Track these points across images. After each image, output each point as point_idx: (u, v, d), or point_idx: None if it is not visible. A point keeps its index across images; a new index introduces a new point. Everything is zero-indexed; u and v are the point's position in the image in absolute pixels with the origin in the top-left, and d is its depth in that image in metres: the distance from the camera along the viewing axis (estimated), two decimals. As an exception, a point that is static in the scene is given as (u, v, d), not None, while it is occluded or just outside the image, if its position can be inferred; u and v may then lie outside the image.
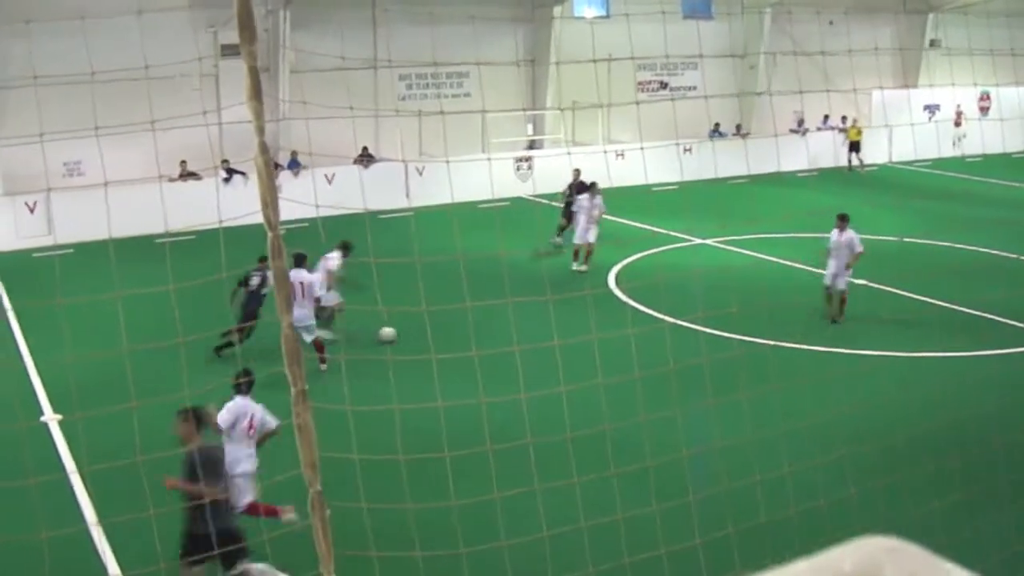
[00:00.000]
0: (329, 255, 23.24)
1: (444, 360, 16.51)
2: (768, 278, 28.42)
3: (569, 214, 31.89)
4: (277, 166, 38.12)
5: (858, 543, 2.66)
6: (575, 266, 30.39)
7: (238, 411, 14.70)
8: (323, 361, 21.36)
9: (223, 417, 14.63)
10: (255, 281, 22.31)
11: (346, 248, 23.50)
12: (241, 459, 14.43)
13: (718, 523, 13.02)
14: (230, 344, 21.75)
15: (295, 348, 7.15)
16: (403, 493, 12.36)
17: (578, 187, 31.81)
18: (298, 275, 20.87)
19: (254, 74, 7.01)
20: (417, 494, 12.52)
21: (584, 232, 30.55)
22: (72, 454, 17.72)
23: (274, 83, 38.20)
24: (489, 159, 35.72)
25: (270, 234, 7.04)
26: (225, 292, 21.96)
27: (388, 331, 23.19)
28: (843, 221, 24.85)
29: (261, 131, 7.11)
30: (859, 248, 24.81)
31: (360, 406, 13.40)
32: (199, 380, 16.07)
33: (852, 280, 25.93)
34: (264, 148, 7.17)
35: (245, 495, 14.40)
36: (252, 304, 22.31)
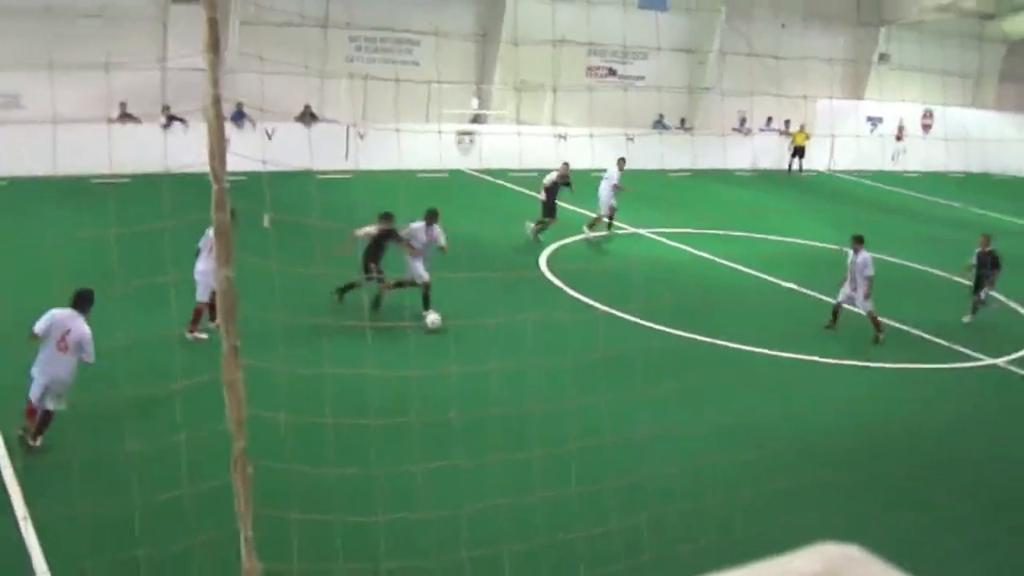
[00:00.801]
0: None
1: (376, 329, 16.52)
2: (700, 273, 28.60)
3: (552, 209, 31.58)
4: (172, 118, 37.73)
5: (819, 549, 2.68)
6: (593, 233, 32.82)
7: (52, 321, 15.14)
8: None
9: (39, 324, 15.12)
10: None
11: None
12: (48, 364, 15.07)
13: (632, 511, 13.11)
14: (352, 287, 22.37)
15: (231, 304, 7.10)
16: (327, 458, 12.30)
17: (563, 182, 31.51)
18: None
19: (213, 25, 6.93)
20: (341, 460, 12.46)
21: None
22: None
23: (224, 34, 37.79)
24: (440, 131, 35.52)
25: (215, 186, 6.97)
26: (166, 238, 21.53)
27: (434, 317, 21.83)
28: (858, 243, 24.38)
29: (215, 83, 7.03)
30: (869, 271, 24.12)
31: (291, 368, 13.29)
32: (133, 323, 15.85)
33: (791, 285, 26.25)
34: (216, 100, 7.08)
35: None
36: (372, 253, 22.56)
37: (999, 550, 15.19)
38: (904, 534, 14.37)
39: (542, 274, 27.25)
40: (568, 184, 31.25)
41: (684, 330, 22.64)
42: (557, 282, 26.45)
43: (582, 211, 34.53)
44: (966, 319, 25.79)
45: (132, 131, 36.56)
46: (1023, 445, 19.38)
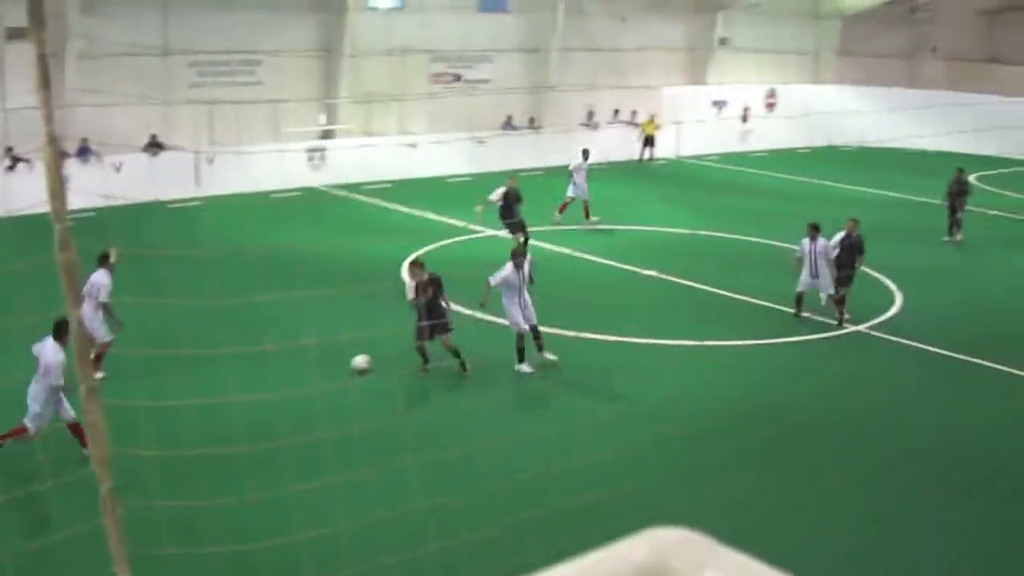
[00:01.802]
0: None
1: (237, 354, 16.31)
2: (561, 268, 28.73)
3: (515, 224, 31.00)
4: (64, 155, 37.09)
5: (647, 534, 2.72)
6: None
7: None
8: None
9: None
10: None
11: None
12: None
13: (513, 512, 13.15)
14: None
15: (85, 345, 6.99)
16: (197, 489, 12.15)
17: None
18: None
19: (43, 62, 6.81)
20: (211, 489, 12.33)
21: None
22: None
23: (61, 69, 37.11)
24: (288, 150, 35.25)
25: (57, 226, 6.84)
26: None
27: (361, 360, 19.93)
28: (814, 230, 24.57)
29: (49, 120, 6.90)
30: (831, 255, 24.49)
31: (151, 402, 13.13)
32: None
33: (649, 272, 26.57)
34: (52, 138, 6.95)
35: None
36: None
37: (886, 508, 15.54)
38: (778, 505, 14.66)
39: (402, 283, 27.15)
40: (519, 199, 30.77)
41: (551, 326, 22.73)
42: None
43: (438, 218, 34.60)
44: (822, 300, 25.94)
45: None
46: (889, 402, 19.99)
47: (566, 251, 30.85)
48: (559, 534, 11.52)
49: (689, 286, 26.83)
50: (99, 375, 19.67)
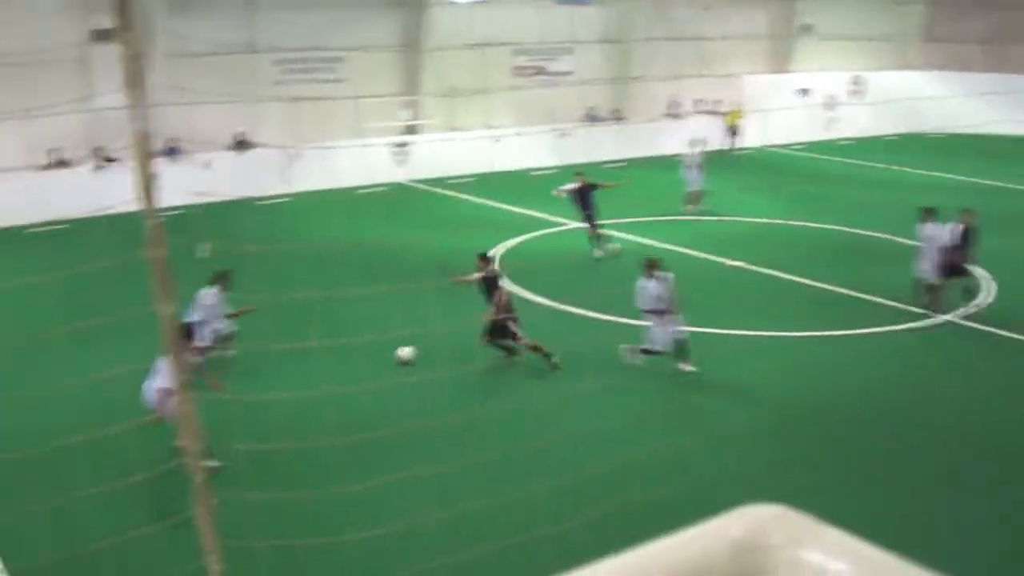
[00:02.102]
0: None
1: (327, 349, 16.46)
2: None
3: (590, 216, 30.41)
4: (153, 153, 37.53)
5: (744, 510, 2.71)
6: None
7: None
8: None
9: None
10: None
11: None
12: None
13: (602, 501, 13.12)
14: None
15: (177, 339, 7.08)
16: (287, 481, 12.27)
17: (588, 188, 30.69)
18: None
19: (131, 62, 6.91)
20: (301, 482, 12.44)
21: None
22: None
23: (148, 69, 37.53)
24: (373, 145, 35.42)
25: (149, 223, 6.94)
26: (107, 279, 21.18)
27: (405, 352, 20.61)
28: (928, 214, 24.26)
29: (139, 118, 7.00)
30: (941, 242, 23.99)
31: (244, 396, 13.26)
32: (68, 372, 15.80)
33: (733, 262, 26.44)
34: (142, 136, 7.04)
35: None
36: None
37: (966, 510, 15.34)
38: (864, 499, 14.51)
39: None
40: (594, 186, 30.44)
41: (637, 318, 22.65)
42: (507, 283, 26.41)
43: (522, 211, 34.62)
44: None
45: (64, 176, 36.23)
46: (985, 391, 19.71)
47: (652, 243, 30.68)
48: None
49: (776, 276, 26.60)
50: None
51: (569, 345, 20.84)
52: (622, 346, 20.38)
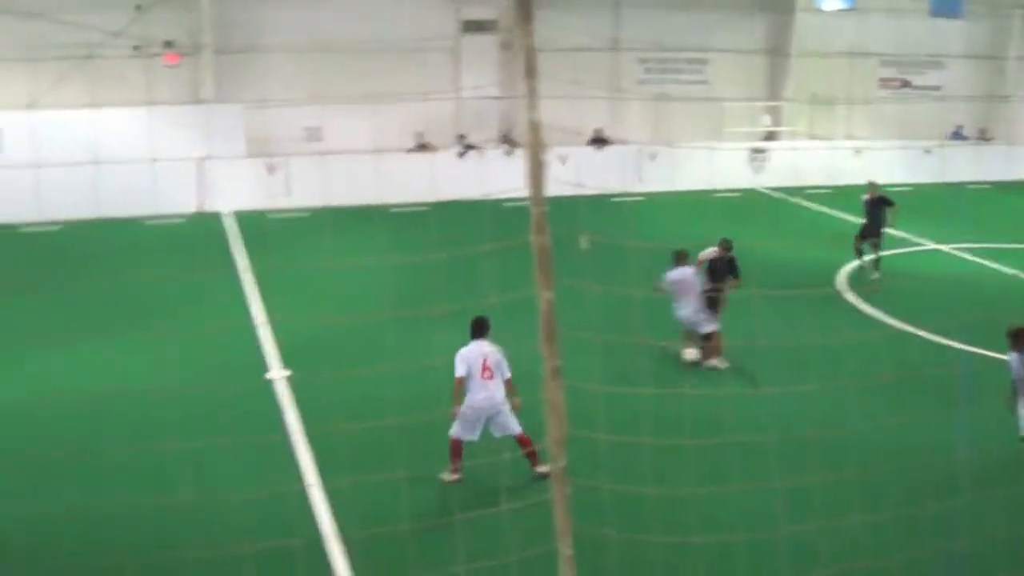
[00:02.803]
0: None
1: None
2: (1007, 290, 27.49)
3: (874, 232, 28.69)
4: (512, 143, 38.47)
5: None
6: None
7: (468, 358, 15.18)
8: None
9: (460, 368, 15.11)
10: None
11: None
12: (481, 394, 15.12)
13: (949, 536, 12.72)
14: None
15: (551, 324, 7.22)
16: (643, 477, 12.38)
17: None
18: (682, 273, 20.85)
19: (531, 52, 7.10)
20: (657, 480, 12.54)
21: None
22: (298, 413, 18.05)
23: (516, 60, 38.44)
24: (731, 150, 35.19)
25: (535, 210, 7.11)
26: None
27: (692, 352, 20.87)
28: None
29: (533, 108, 7.16)
30: None
31: (607, 387, 13.42)
32: (422, 349, 16.35)
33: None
34: (535, 125, 7.20)
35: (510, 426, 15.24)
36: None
37: None
38: None
39: (839, 293, 26.70)
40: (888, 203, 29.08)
41: (988, 349, 21.77)
42: (855, 301, 25.88)
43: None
44: None
45: (429, 160, 37.49)
46: None
47: (1015, 272, 29.33)
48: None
49: None
50: (722, 364, 20.49)
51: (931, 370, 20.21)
52: None
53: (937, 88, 48.33)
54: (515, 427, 15.12)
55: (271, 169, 36.08)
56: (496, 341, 15.17)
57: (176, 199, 34.60)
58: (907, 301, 24.92)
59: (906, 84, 48.37)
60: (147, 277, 24.19)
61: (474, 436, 15.20)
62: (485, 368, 15.07)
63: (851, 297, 26.15)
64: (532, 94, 7.12)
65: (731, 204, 37.28)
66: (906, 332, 22.79)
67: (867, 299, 25.56)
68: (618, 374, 16.96)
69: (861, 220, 28.78)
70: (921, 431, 15.83)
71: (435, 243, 22.17)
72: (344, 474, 14.13)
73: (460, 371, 15.03)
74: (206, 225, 33.31)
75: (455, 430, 15.22)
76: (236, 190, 35.42)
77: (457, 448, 15.24)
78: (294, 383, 19.21)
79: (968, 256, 31.22)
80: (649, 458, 12.74)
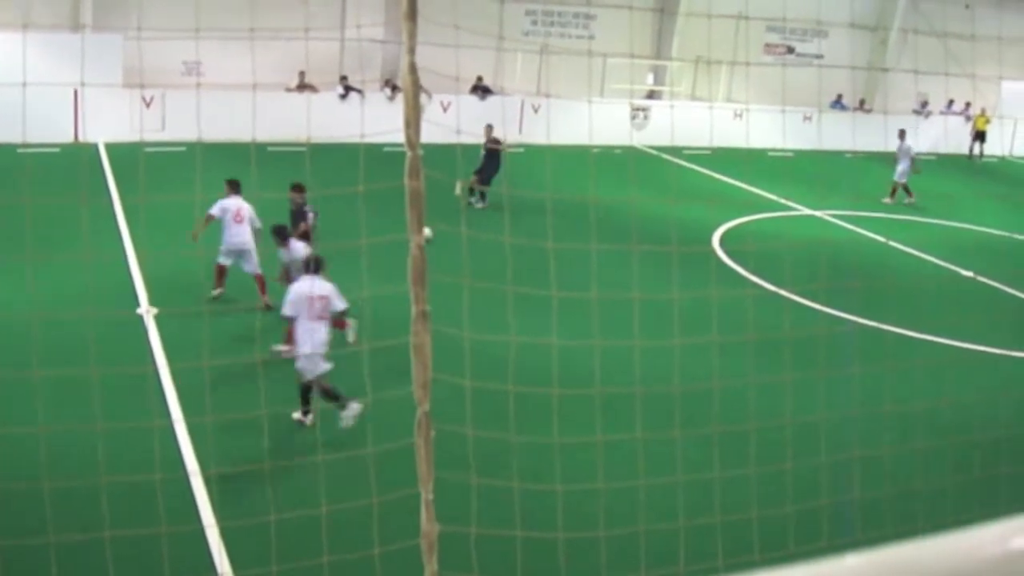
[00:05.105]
0: None
1: (560, 300, 16.57)
2: (873, 257, 28.07)
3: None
4: (395, 88, 38.28)
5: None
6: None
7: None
8: None
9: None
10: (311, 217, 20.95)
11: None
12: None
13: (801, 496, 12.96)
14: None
15: (421, 268, 7.19)
16: (507, 425, 12.44)
17: None
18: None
19: (412, -7, 7.02)
20: (520, 428, 12.59)
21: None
22: (163, 348, 17.95)
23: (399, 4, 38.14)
24: (613, 105, 35.32)
25: (410, 153, 7.05)
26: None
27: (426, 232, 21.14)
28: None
29: (412, 51, 7.08)
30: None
31: (475, 335, 13.45)
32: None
33: (967, 272, 25.86)
34: (413, 68, 7.12)
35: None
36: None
37: None
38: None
39: (713, 251, 27.02)
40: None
41: (852, 314, 22.20)
42: (729, 261, 26.22)
43: (755, 190, 34.29)
44: None
45: (309, 100, 37.17)
46: None
47: (881, 239, 30.05)
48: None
49: (1011, 293, 25.74)
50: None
51: (795, 332, 20.54)
52: None
53: (820, 56, 48.98)
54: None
55: (148, 101, 35.49)
56: (368, 283, 15.12)
57: (50, 128, 33.84)
58: (779, 265, 25.28)
59: (791, 51, 48.93)
60: (18, 204, 23.70)
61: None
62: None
63: (724, 257, 26.47)
64: (411, 36, 7.04)
65: (611, 160, 37.48)
66: (775, 294, 23.11)
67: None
68: (488, 321, 17.04)
69: (737, 183, 29.17)
70: (781, 391, 16.07)
71: (310, 184, 21.95)
72: (208, 412, 14.05)
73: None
74: (81, 155, 32.68)
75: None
76: (111, 121, 34.77)
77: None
78: (161, 319, 19.05)
79: (841, 223, 31.77)
80: (515, 406, 12.79)
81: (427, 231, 19.70)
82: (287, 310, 15.45)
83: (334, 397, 15.34)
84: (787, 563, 2.60)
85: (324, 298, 15.44)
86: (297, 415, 15.56)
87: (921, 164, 35.86)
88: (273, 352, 17.73)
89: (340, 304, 15.73)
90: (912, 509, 13.05)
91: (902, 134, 35.89)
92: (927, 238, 30.66)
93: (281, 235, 18.75)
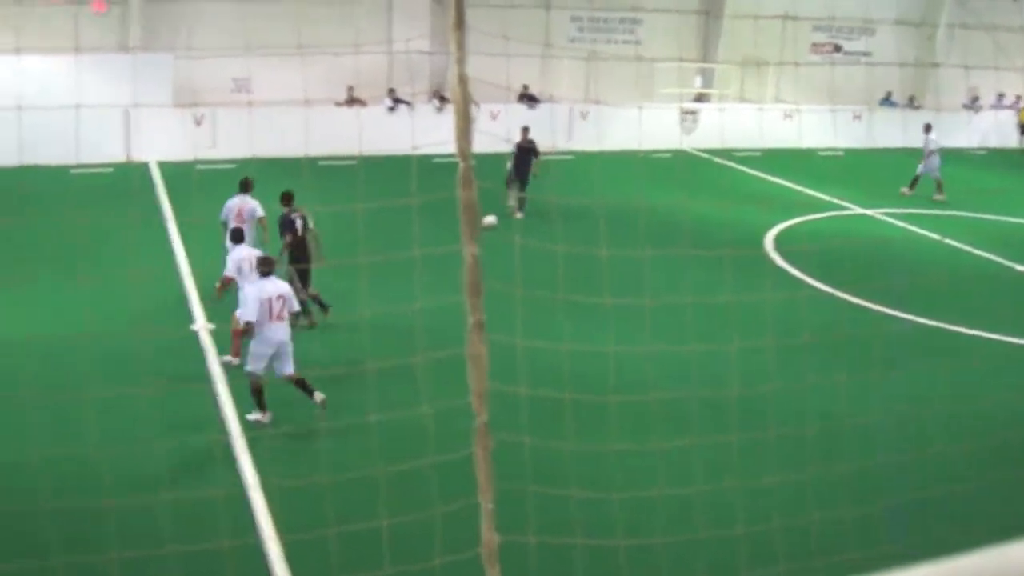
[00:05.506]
0: None
1: (615, 306, 16.52)
2: (928, 255, 27.85)
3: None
4: (443, 99, 38.32)
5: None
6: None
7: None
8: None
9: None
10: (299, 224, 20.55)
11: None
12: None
13: (866, 499, 12.88)
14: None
15: (476, 279, 7.19)
16: (565, 433, 12.44)
17: None
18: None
19: (459, 4, 7.04)
20: (578, 437, 12.61)
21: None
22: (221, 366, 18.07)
23: (447, 14, 38.16)
24: (662, 110, 35.24)
25: (462, 164, 7.06)
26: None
27: (489, 219, 20.70)
28: None
29: (461, 61, 7.11)
30: None
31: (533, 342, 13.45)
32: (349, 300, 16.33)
33: (1020, 267, 25.49)
34: (463, 79, 7.15)
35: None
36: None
37: None
38: None
39: (766, 254, 26.89)
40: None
41: (910, 312, 22.04)
42: (783, 263, 26.07)
43: (806, 191, 34.13)
44: None
45: (358, 114, 37.27)
46: None
47: (935, 236, 29.76)
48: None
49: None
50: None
51: (850, 333, 20.40)
52: None
53: (867, 54, 48.66)
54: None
55: (198, 120, 35.75)
56: (421, 295, 15.13)
57: (102, 148, 34.14)
58: (833, 265, 25.10)
59: (838, 49, 48.63)
60: (73, 224, 23.97)
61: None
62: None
63: (778, 259, 26.33)
64: (460, 47, 7.06)
65: (662, 164, 37.39)
66: (830, 295, 22.97)
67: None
68: (541, 329, 17.02)
69: (789, 184, 29.04)
70: (838, 392, 15.96)
71: (362, 196, 22.07)
72: (266, 426, 14.12)
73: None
74: (133, 174, 32.93)
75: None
76: (163, 140, 35.08)
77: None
78: (217, 336, 19.16)
79: (894, 221, 31.55)
80: (571, 414, 12.79)
81: (491, 218, 19.95)
82: (249, 315, 15.68)
83: (308, 389, 15.71)
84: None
85: (282, 298, 15.81)
86: (255, 416, 15.82)
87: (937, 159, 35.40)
88: (223, 363, 17.99)
89: (295, 305, 16.35)
90: (982, 510, 12.97)
91: (928, 128, 35.45)
92: (980, 234, 30.32)
93: (235, 238, 19.40)
